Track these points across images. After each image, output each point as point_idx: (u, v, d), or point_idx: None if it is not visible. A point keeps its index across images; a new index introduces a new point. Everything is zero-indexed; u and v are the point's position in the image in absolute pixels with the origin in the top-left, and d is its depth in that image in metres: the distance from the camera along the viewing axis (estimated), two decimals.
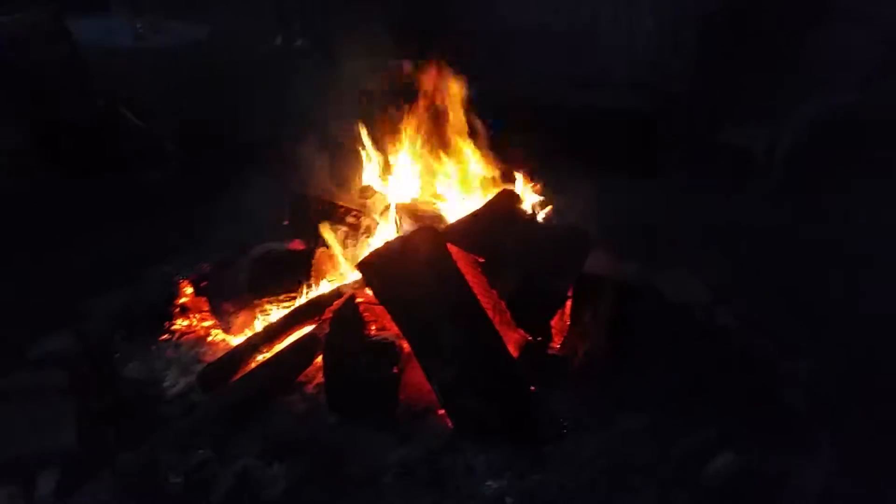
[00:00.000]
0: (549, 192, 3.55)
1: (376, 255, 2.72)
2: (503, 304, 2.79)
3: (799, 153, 4.76)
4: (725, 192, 4.70)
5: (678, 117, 5.28)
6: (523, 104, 4.95)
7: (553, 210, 3.47)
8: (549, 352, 2.92)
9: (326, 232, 3.26)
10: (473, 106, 3.48)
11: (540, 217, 3.40)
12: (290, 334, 2.94)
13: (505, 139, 3.56)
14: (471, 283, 2.67)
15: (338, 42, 4.45)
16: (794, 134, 4.82)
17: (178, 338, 3.17)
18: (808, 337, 3.08)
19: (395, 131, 3.58)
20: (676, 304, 3.13)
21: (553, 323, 2.95)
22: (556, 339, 2.98)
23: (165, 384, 2.88)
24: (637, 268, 3.44)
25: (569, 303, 2.99)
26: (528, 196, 3.44)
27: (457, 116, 3.45)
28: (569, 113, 5.21)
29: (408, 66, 4.05)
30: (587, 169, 4.62)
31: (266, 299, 3.13)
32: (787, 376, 2.83)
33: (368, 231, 3.33)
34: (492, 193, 3.26)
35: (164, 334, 3.17)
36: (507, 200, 3.14)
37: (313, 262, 3.18)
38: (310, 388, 2.81)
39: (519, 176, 3.46)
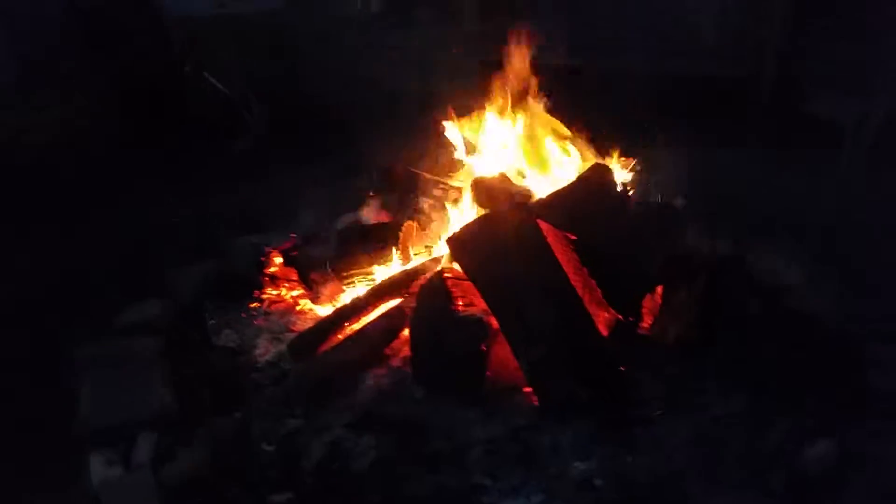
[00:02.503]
0: (641, 166, 3.44)
1: (466, 229, 2.69)
2: (594, 282, 2.72)
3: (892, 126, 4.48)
4: (814, 165, 4.46)
5: (765, 86, 5.07)
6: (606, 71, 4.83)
7: (645, 185, 3.36)
8: (640, 332, 2.86)
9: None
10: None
11: (633, 192, 3.30)
12: (377, 306, 2.96)
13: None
14: (561, 261, 2.61)
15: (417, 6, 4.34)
16: (887, 105, 4.54)
17: (268, 306, 3.25)
18: None
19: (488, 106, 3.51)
20: (767, 284, 3.03)
21: (644, 302, 2.88)
22: (646, 318, 2.91)
23: (256, 352, 2.95)
24: (727, 245, 3.30)
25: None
26: (620, 171, 3.34)
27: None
28: (656, 80, 5.06)
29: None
30: (675, 138, 4.49)
31: (353, 271, 3.15)
32: (879, 361, 2.68)
33: (456, 205, 3.29)
34: (583, 169, 3.18)
35: (254, 303, 3.25)
36: (599, 175, 3.04)
37: (400, 234, 3.18)
38: (396, 362, 2.82)
39: (611, 151, 3.36)
